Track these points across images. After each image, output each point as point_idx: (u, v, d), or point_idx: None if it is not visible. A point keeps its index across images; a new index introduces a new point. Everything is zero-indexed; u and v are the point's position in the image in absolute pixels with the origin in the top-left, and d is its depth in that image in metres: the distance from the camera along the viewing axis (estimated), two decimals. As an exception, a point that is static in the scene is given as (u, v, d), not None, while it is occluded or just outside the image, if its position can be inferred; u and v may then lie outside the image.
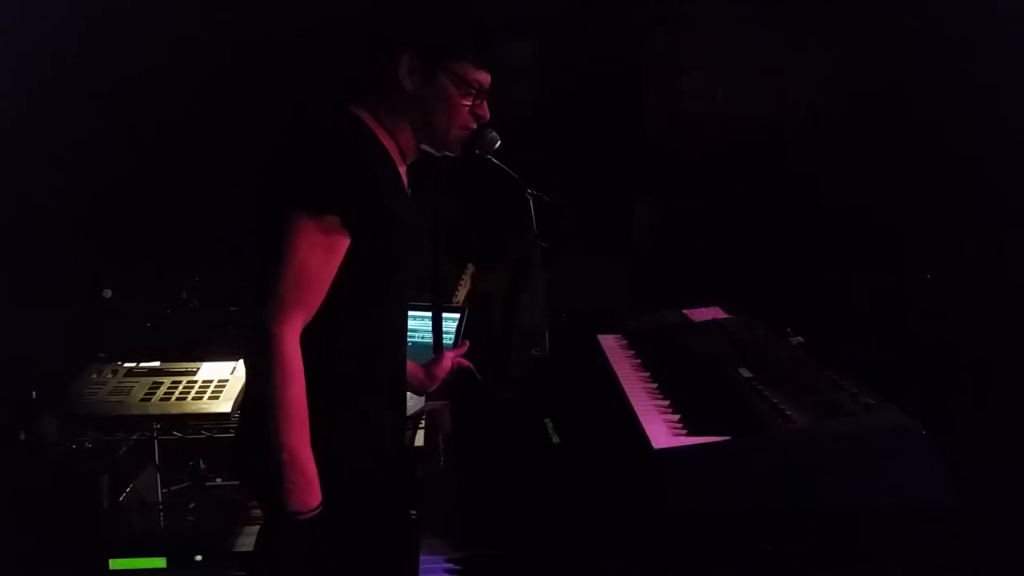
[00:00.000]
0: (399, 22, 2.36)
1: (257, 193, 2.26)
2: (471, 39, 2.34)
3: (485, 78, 2.36)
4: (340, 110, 2.32)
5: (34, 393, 3.53)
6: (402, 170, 2.40)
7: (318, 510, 2.14)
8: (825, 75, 4.39)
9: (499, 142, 2.57)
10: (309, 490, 2.13)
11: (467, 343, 2.98)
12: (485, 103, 2.39)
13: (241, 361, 3.63)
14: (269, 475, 2.12)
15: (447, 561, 2.08)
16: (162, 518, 3.62)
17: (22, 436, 3.44)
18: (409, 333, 3.36)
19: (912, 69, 4.05)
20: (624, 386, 2.43)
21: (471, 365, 2.90)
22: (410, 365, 2.71)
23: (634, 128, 4.72)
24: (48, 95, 4.12)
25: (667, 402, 2.28)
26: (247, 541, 3.45)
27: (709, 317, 2.99)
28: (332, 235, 2.17)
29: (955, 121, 3.86)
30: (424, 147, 2.44)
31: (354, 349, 2.31)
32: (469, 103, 2.35)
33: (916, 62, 4.01)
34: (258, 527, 3.50)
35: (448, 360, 2.84)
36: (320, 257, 2.17)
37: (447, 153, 2.45)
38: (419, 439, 3.07)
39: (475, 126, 2.41)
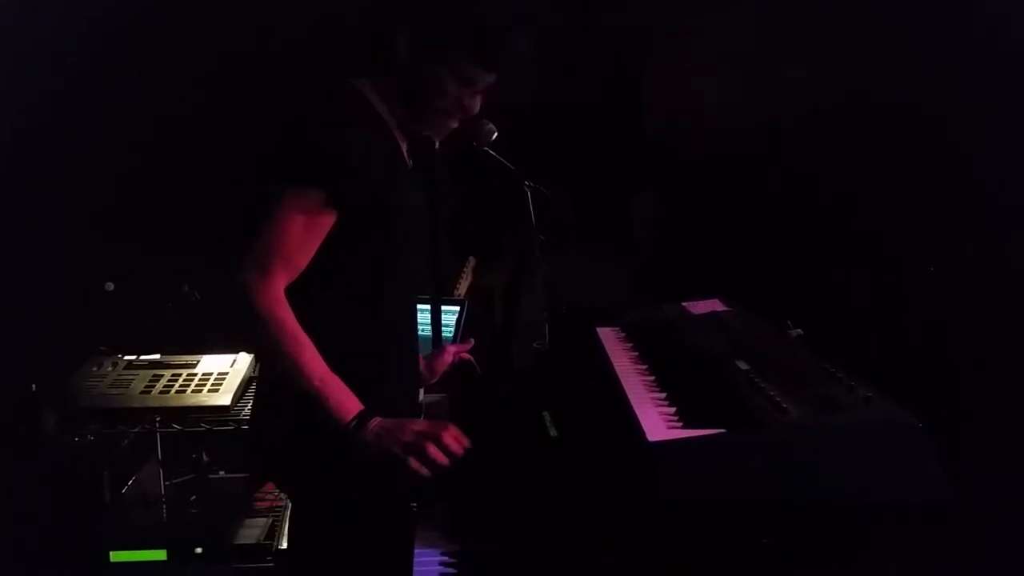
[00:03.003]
0: (400, 7, 2.37)
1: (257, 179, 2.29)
2: (470, 31, 2.34)
3: (480, 74, 2.35)
4: (340, 84, 2.35)
5: (34, 386, 3.53)
6: (403, 145, 2.41)
7: (368, 415, 2.19)
8: (825, 74, 4.38)
9: (496, 134, 2.57)
10: (348, 397, 2.19)
11: (472, 341, 2.97)
12: (477, 98, 2.39)
13: (242, 354, 3.64)
14: (309, 414, 2.17)
15: (442, 554, 2.08)
16: (164, 511, 3.61)
17: (23, 430, 3.44)
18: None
19: (912, 69, 4.05)
20: (621, 379, 2.43)
21: (472, 359, 2.90)
22: None
23: (635, 126, 4.73)
24: (48, 95, 4.13)
25: (664, 395, 2.28)
26: (248, 534, 3.46)
27: (708, 310, 2.99)
28: (315, 209, 2.20)
29: (955, 121, 3.85)
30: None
31: (362, 332, 2.34)
32: (457, 94, 2.35)
33: (916, 62, 4.01)
34: (258, 519, 3.55)
35: (449, 355, 2.84)
36: (301, 229, 2.20)
37: (432, 135, 2.46)
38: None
39: (461, 116, 2.42)
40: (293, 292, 2.21)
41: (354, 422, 2.17)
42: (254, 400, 2.56)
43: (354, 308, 2.34)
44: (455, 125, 2.44)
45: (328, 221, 2.23)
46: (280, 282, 2.19)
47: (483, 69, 2.34)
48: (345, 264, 2.29)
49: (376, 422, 2.19)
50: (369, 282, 2.35)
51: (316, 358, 2.18)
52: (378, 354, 2.39)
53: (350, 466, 2.21)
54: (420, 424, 2.24)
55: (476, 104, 2.41)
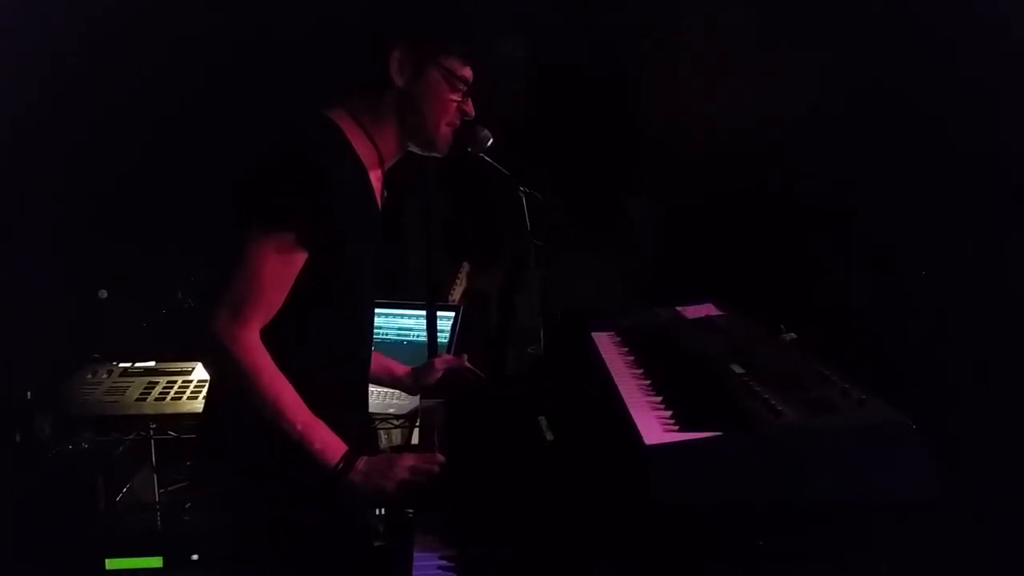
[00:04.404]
0: (391, 17, 2.37)
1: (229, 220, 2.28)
2: (461, 34, 2.36)
3: (471, 74, 2.38)
4: (316, 117, 2.33)
5: (29, 394, 3.52)
6: (375, 176, 2.40)
7: (353, 455, 2.19)
8: (824, 75, 4.37)
9: (491, 140, 2.57)
10: (332, 440, 2.19)
11: (465, 356, 2.95)
12: (470, 100, 2.41)
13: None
14: (292, 457, 2.16)
15: (440, 558, 2.08)
16: (159, 518, 3.61)
17: (18, 437, 3.43)
18: (405, 332, 3.37)
19: (912, 69, 4.04)
20: (617, 382, 2.42)
21: (473, 368, 2.89)
22: (399, 367, 2.73)
23: (632, 127, 4.72)
24: (48, 95, 4.13)
25: (659, 398, 2.27)
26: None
27: (702, 314, 2.99)
28: (288, 249, 2.19)
29: (955, 121, 3.84)
30: (411, 148, 2.44)
31: (317, 353, 2.32)
32: (457, 98, 2.37)
33: (915, 62, 4.00)
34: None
35: (438, 373, 2.84)
36: (274, 269, 2.19)
37: (434, 154, 2.46)
38: (414, 437, 3.08)
39: (459, 123, 2.43)
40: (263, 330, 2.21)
41: (340, 465, 2.17)
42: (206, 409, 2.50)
43: (316, 337, 2.32)
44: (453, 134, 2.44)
45: (300, 259, 2.21)
46: (256, 326, 2.18)
47: (471, 67, 2.37)
48: (310, 301, 2.26)
49: (363, 462, 2.20)
50: (333, 318, 2.34)
51: (297, 402, 2.18)
52: (335, 383, 2.38)
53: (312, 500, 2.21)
54: (410, 458, 2.25)
55: (472, 106, 2.42)
